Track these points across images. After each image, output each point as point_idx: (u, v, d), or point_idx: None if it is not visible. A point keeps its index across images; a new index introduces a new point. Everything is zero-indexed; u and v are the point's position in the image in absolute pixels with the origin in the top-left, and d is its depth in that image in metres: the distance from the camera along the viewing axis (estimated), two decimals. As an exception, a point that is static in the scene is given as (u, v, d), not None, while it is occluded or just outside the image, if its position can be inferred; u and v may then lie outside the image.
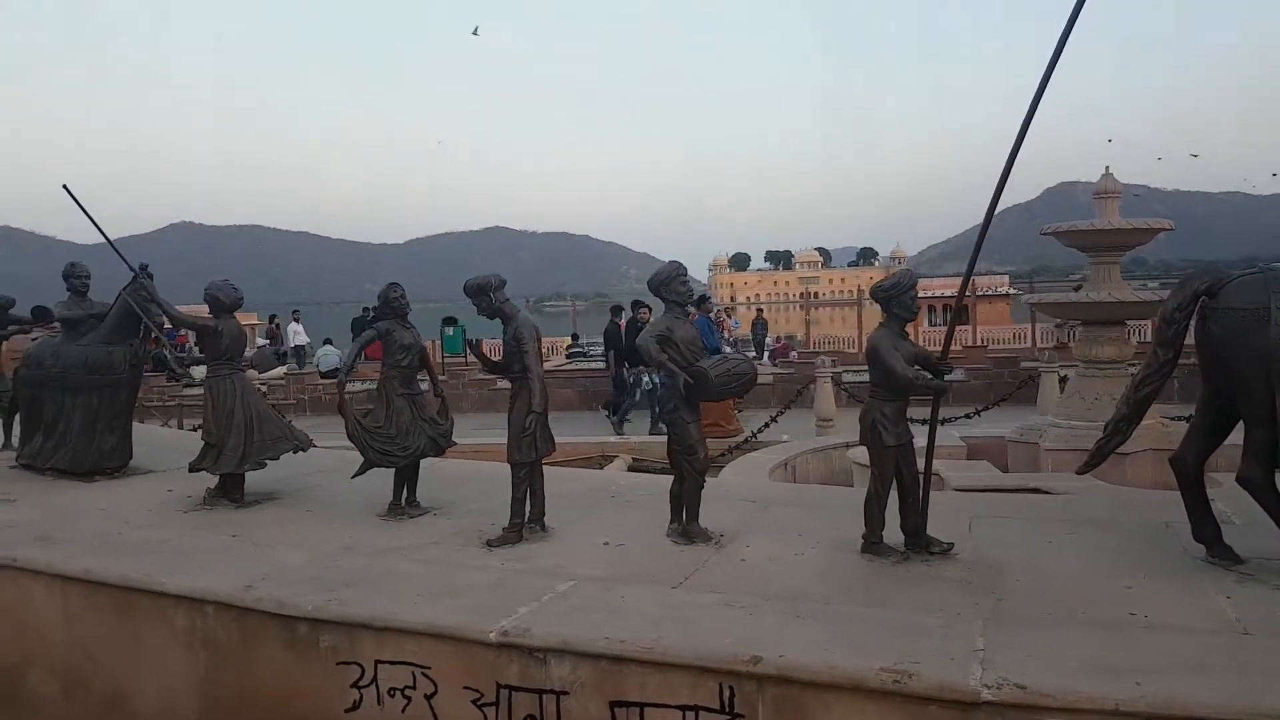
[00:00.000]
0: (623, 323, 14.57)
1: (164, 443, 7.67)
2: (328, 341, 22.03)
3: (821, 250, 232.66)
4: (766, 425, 11.77)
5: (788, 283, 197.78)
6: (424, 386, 5.20)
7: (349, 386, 6.53)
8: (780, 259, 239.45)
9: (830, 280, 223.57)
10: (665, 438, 4.44)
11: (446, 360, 20.70)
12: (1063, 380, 10.23)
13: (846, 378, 18.06)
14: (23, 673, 4.42)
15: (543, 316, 53.59)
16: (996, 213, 3.89)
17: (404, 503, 5.09)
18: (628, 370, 13.97)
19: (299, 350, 23.42)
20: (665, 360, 4.12)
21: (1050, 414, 8.27)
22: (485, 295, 4.45)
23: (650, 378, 12.69)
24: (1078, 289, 9.89)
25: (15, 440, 7.07)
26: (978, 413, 11.47)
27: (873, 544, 4.03)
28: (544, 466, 4.58)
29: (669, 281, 4.29)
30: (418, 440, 4.97)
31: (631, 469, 10.09)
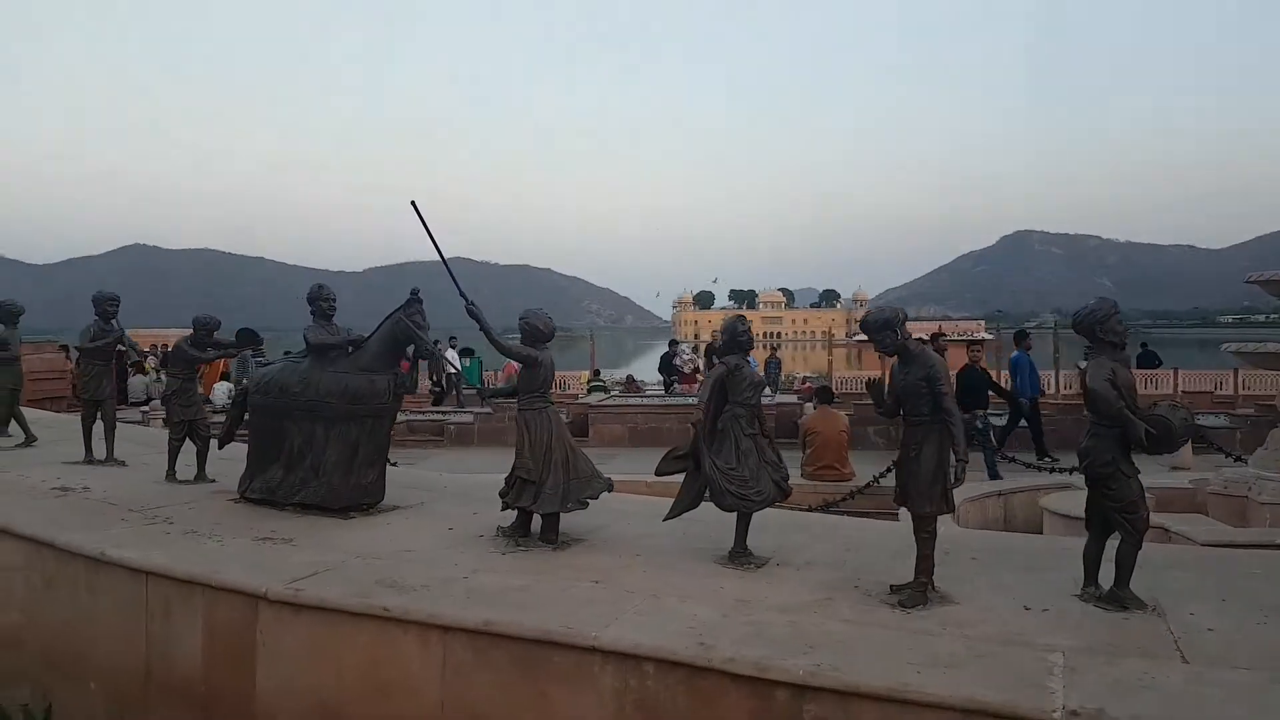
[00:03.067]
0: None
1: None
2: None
3: (785, 291, 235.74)
4: (886, 472, 11.53)
5: (752, 320, 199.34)
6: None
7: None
8: (745, 298, 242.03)
9: (794, 320, 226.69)
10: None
11: (466, 391, 20.18)
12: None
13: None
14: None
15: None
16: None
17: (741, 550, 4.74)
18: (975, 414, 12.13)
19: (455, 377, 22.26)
20: (1123, 409, 3.87)
21: (1254, 466, 8.13)
22: (890, 330, 4.16)
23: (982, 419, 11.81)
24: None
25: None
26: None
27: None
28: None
29: (1105, 320, 4.03)
30: (766, 484, 4.64)
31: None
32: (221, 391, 20.48)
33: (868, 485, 11.38)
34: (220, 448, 6.75)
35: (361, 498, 5.79)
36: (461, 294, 4.98)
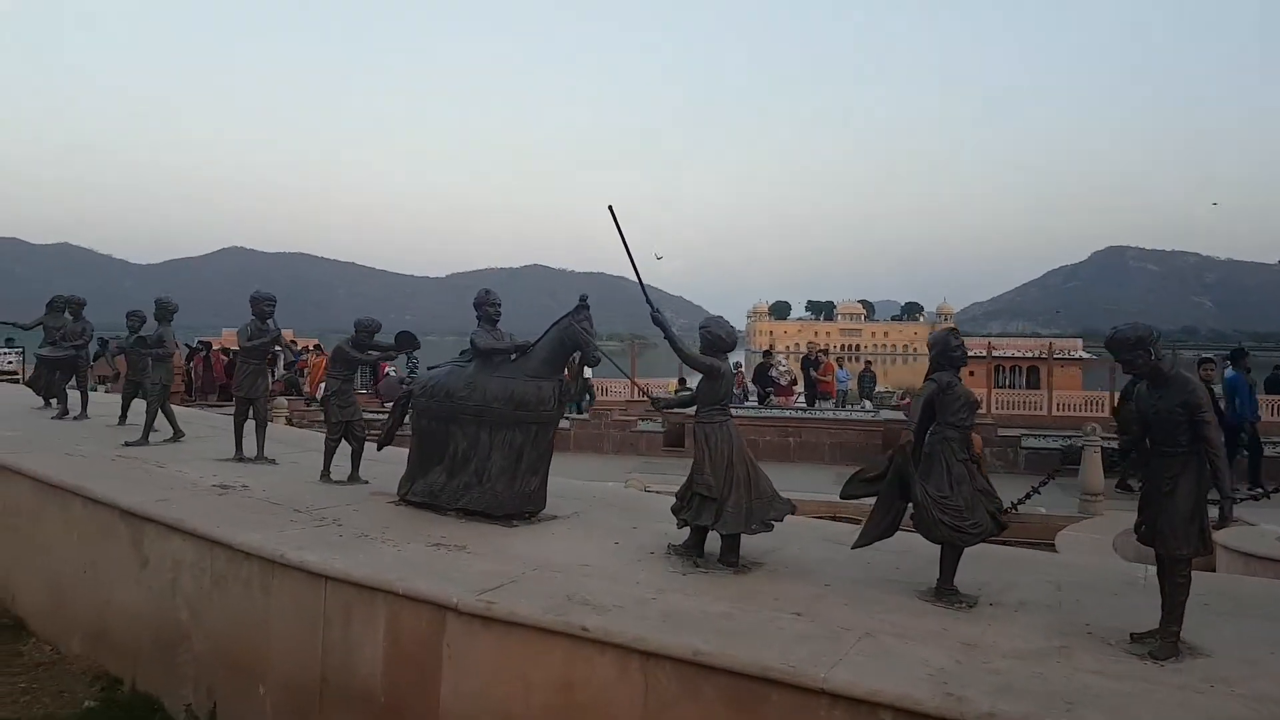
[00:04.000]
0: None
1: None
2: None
3: (865, 303, 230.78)
4: (1028, 495, 10.92)
5: (829, 333, 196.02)
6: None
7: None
8: (822, 309, 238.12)
9: (874, 333, 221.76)
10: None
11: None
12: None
13: (1028, 442, 17.21)
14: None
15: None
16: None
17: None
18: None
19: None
20: None
21: None
22: (1143, 349, 3.74)
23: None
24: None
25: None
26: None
27: None
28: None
29: None
30: (982, 515, 4.27)
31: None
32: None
33: (1006, 511, 10.81)
34: (379, 449, 6.70)
35: (525, 506, 5.64)
36: (648, 301, 4.77)
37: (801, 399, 22.38)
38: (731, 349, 4.84)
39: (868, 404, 22.26)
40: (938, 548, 4.32)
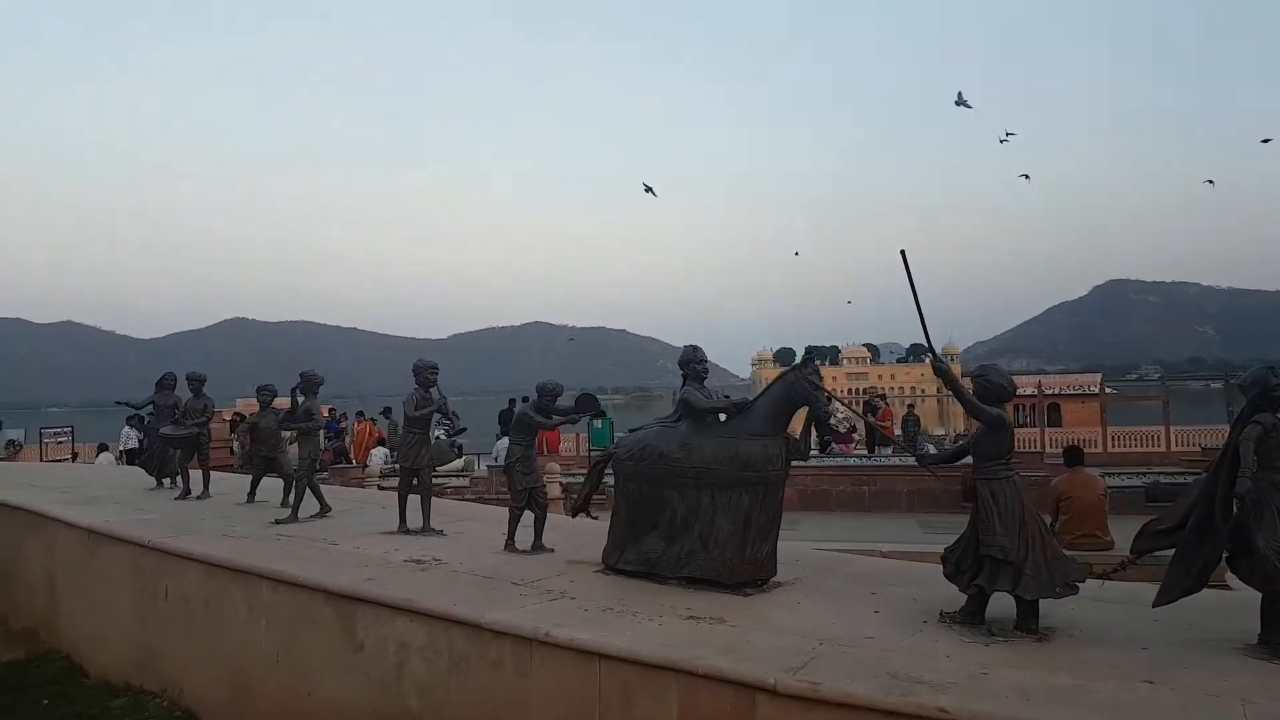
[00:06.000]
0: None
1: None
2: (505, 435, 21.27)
3: (869, 346, 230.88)
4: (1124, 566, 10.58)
5: (835, 378, 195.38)
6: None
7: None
8: (826, 354, 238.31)
9: (879, 376, 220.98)
10: None
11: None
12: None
13: (1132, 481, 16.79)
14: None
15: None
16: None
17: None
18: None
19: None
20: None
21: None
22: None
23: None
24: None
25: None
26: None
27: None
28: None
29: None
30: (1311, 563, 4.02)
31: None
32: (378, 457, 20.59)
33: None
34: (573, 516, 6.47)
35: (757, 573, 5.38)
36: (930, 349, 4.59)
37: (861, 446, 22.08)
38: (1010, 398, 4.63)
39: (931, 449, 21.95)
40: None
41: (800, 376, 5.38)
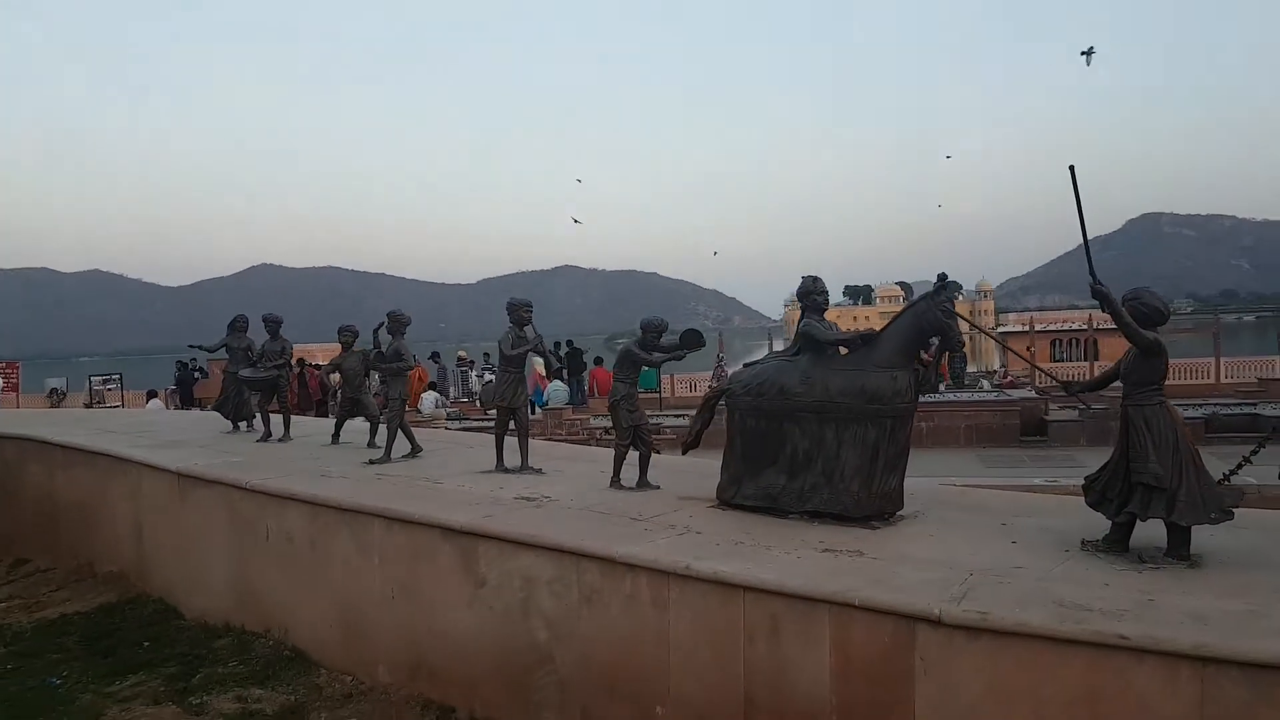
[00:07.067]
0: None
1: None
2: (559, 377, 21.27)
3: (903, 284, 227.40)
4: (1240, 466, 10.37)
5: (868, 318, 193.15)
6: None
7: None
8: (860, 294, 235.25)
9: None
10: None
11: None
12: None
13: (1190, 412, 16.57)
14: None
15: (614, 354, 51.41)
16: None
17: None
18: None
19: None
20: None
21: None
22: None
23: None
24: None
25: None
26: None
27: None
28: None
29: None
30: None
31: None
32: (429, 401, 20.73)
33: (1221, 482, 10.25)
34: (684, 453, 6.43)
35: (885, 506, 5.30)
36: (1091, 271, 4.40)
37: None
38: (1165, 321, 4.46)
39: (985, 384, 21.73)
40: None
41: (932, 305, 5.21)
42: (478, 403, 22.55)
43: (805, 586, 4.19)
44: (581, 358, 23.47)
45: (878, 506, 5.27)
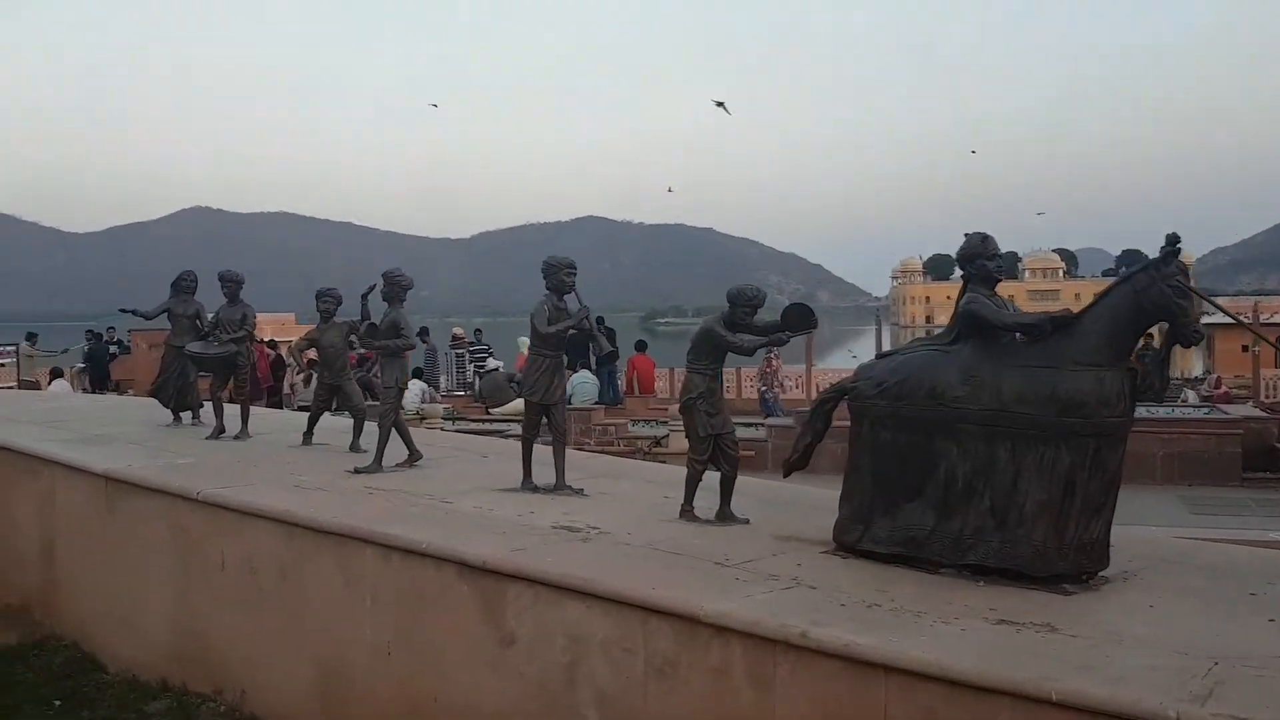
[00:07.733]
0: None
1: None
2: (585, 367, 21.35)
3: (1063, 252, 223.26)
4: None
5: (1011, 296, 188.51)
6: None
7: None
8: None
9: (1078, 295, 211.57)
10: None
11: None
12: None
13: None
14: None
15: (655, 338, 50.67)
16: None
17: None
18: None
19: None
20: None
21: None
22: None
23: None
24: None
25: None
26: None
27: None
28: None
29: None
30: None
31: None
32: (415, 393, 20.84)
33: None
34: (785, 475, 6.33)
35: (1084, 563, 5.14)
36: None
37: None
38: None
39: (1190, 395, 21.21)
40: None
41: (1158, 278, 4.98)
42: (479, 398, 22.69)
43: (977, 671, 4.05)
44: (614, 341, 23.38)
45: (1073, 563, 5.12)
